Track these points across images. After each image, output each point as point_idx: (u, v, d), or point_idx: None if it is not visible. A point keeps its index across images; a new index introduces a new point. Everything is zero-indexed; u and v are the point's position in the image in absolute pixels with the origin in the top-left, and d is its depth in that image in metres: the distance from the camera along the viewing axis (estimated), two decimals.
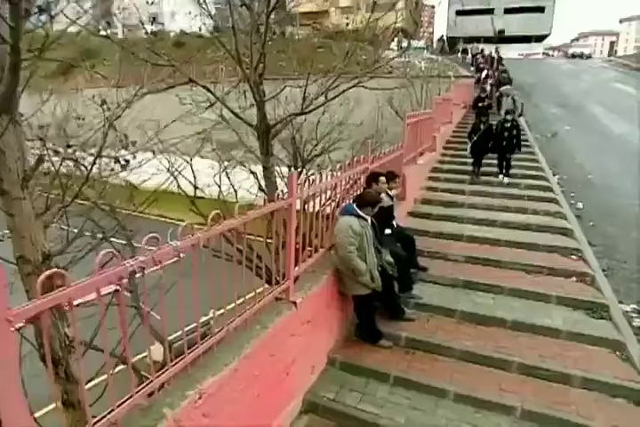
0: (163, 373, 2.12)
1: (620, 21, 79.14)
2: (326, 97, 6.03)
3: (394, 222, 5.23)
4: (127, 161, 5.06)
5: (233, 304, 2.64)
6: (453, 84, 13.63)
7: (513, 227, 6.55)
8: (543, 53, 42.10)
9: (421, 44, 35.41)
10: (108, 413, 1.84)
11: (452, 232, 6.44)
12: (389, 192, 5.09)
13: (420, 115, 8.43)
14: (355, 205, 3.94)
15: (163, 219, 14.60)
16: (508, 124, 8.62)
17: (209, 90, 6.13)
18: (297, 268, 3.44)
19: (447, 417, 3.35)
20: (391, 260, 4.30)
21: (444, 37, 39.37)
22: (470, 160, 9.08)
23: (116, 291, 1.80)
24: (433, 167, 9.47)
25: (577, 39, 72.88)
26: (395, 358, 4.00)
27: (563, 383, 3.67)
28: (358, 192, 4.47)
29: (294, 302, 3.31)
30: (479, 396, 3.51)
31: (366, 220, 3.92)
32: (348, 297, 4.14)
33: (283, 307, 3.23)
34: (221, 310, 2.58)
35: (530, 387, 3.63)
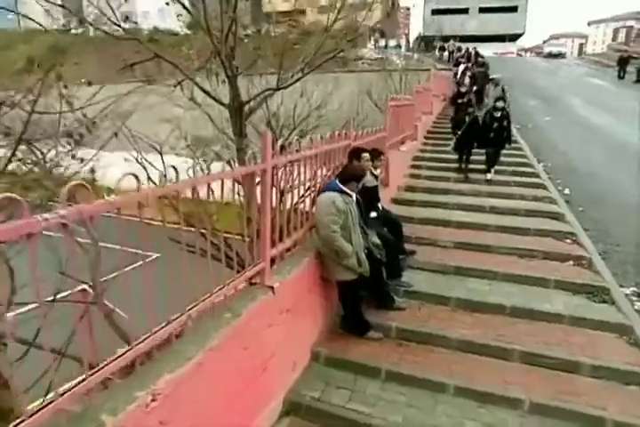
0: (98, 370, 1.64)
1: (589, 24, 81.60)
2: (303, 72, 5.61)
3: (379, 205, 4.85)
4: (81, 135, 4.50)
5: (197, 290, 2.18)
6: (433, 75, 13.38)
7: (502, 212, 6.26)
8: (517, 54, 42.77)
9: (398, 42, 35.55)
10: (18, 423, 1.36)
11: (439, 218, 6.10)
12: (374, 171, 4.70)
13: (402, 100, 8.11)
14: (337, 181, 3.52)
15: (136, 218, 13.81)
16: (499, 114, 7.59)
17: (176, 66, 5.63)
18: (274, 249, 3.00)
19: (448, 414, 2.97)
20: (378, 242, 3.91)
21: (421, 35, 39.56)
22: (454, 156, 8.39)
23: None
24: (415, 156, 9.16)
25: (548, 40, 74.74)
26: (385, 351, 3.60)
27: (570, 372, 3.35)
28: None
29: (271, 287, 2.86)
30: (481, 389, 3.14)
31: (351, 196, 3.51)
32: (332, 284, 3.72)
33: (258, 292, 2.78)
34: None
35: (535, 377, 3.29)
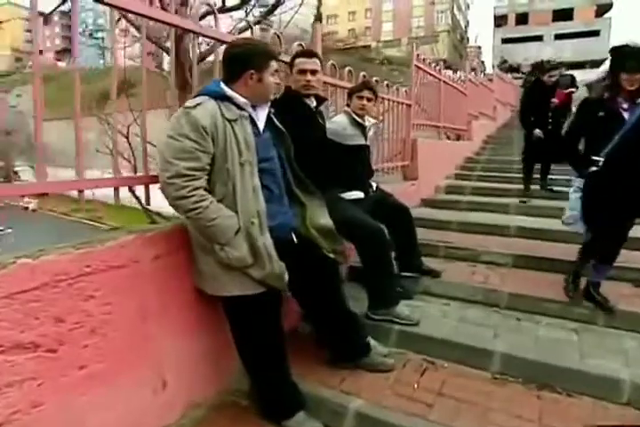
0: None
1: None
2: None
3: (372, 182, 2.85)
4: None
5: None
6: (497, 76, 11.22)
7: None
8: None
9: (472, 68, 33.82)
10: None
11: (492, 223, 3.89)
12: (370, 118, 2.76)
13: (447, 77, 6.14)
14: (221, 81, 1.64)
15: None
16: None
17: None
18: None
19: None
20: (330, 224, 1.88)
21: (504, 60, 37.38)
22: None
23: None
24: (468, 157, 7.01)
25: None
26: None
27: None
28: None
29: None
30: None
31: (244, 110, 1.60)
32: (216, 305, 1.75)
33: None
34: None
35: None
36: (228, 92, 1.55)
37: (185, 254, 1.68)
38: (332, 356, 1.99)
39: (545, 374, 1.92)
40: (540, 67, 5.21)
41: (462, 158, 6.87)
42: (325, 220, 1.85)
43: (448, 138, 7.23)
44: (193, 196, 1.44)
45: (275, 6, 5.76)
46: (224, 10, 5.05)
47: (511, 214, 4.20)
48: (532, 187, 4.86)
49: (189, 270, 1.69)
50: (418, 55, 4.63)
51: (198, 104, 1.48)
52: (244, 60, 1.55)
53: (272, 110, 1.71)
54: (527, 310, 2.49)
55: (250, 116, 1.58)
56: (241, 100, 1.56)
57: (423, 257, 3.27)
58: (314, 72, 2.02)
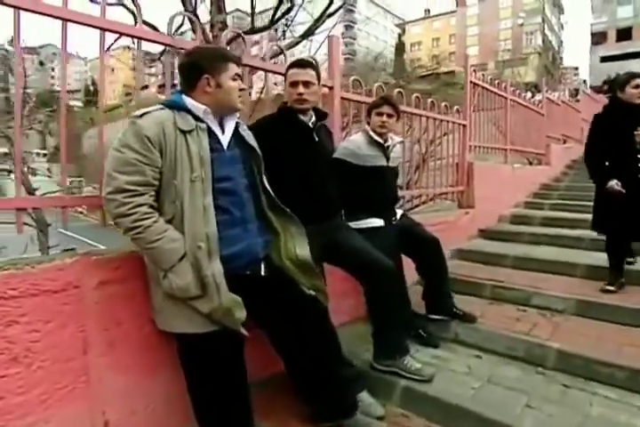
0: None
1: None
2: None
3: (397, 211, 2.52)
4: None
5: None
6: (584, 92, 10.13)
7: None
8: None
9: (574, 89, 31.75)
10: None
11: (554, 258, 3.29)
12: (394, 136, 2.47)
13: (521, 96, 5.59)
14: (180, 92, 1.49)
15: None
16: None
17: None
18: None
19: None
20: (306, 255, 1.60)
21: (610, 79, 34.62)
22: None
23: None
24: (544, 184, 6.25)
25: None
26: None
27: None
28: None
29: None
30: None
31: (202, 121, 1.41)
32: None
33: None
34: None
35: None
36: (186, 100, 1.40)
37: (142, 283, 1.52)
38: (312, 412, 1.67)
39: None
40: (616, 81, 3.06)
41: (537, 185, 6.14)
42: (301, 250, 1.59)
43: (530, 163, 6.59)
44: (134, 213, 1.29)
45: (306, 34, 5.77)
46: (253, 31, 5.14)
47: (582, 250, 3.52)
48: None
49: (147, 301, 1.53)
50: (475, 70, 4.23)
51: (146, 113, 1.34)
52: (196, 65, 1.40)
53: (240, 122, 1.53)
54: (580, 375, 1.94)
55: (209, 128, 1.42)
56: (200, 107, 1.40)
57: (465, 296, 2.85)
58: (307, 84, 1.81)
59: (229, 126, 1.49)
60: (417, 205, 4.95)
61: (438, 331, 2.38)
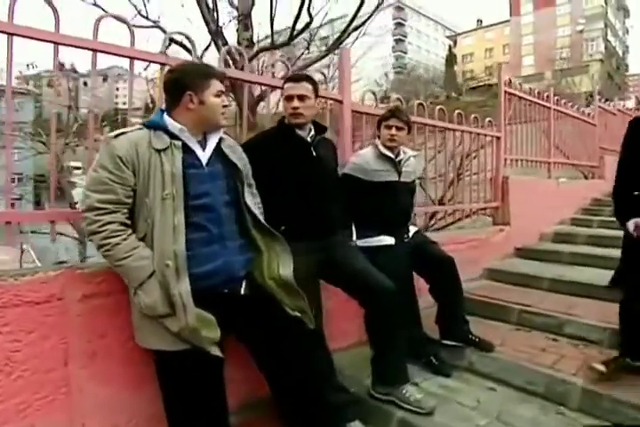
0: None
1: None
2: None
3: (411, 228, 2.40)
4: None
5: None
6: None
7: None
8: None
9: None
10: None
11: (593, 282, 2.97)
12: (407, 150, 2.38)
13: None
14: (163, 111, 1.49)
15: None
16: None
17: None
18: None
19: None
20: (289, 275, 1.54)
21: None
22: None
23: None
24: (594, 199, 5.78)
25: None
26: None
27: None
28: None
29: None
30: None
31: (179, 139, 1.40)
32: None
33: None
34: None
35: None
36: (165, 119, 1.42)
37: (127, 297, 1.52)
38: None
39: None
40: None
41: (587, 200, 5.70)
42: (284, 270, 1.53)
43: (585, 177, 6.18)
44: (103, 231, 1.30)
45: (331, 48, 5.75)
46: (274, 47, 5.20)
47: None
48: None
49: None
50: (510, 80, 4.02)
51: (121, 133, 1.37)
52: (179, 82, 1.41)
53: (224, 138, 1.52)
54: (607, 419, 1.71)
55: (185, 145, 1.41)
56: (176, 126, 1.40)
57: (488, 320, 2.67)
58: (302, 97, 1.78)
59: (212, 143, 1.48)
60: (452, 222, 4.75)
61: (451, 358, 2.22)
